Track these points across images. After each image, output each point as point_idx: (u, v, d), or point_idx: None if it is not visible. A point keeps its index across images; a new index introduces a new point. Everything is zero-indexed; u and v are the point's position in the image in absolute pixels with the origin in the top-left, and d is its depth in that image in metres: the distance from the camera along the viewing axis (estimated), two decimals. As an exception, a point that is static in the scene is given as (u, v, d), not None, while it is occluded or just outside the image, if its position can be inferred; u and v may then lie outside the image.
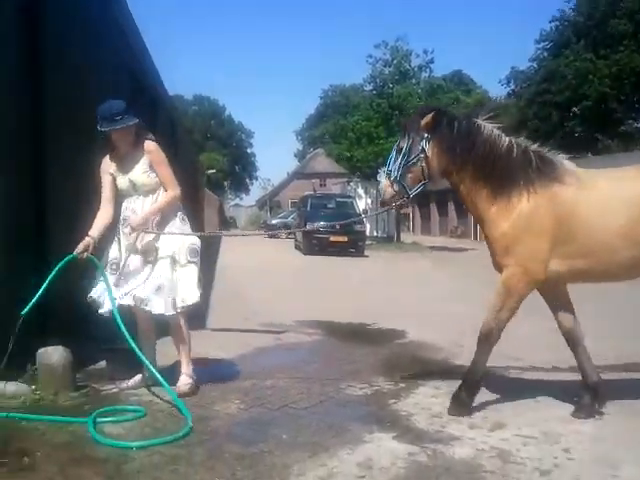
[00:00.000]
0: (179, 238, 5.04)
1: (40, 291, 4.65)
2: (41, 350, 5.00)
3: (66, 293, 5.47)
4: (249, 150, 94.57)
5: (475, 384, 4.69)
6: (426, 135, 4.55)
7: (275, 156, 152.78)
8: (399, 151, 4.64)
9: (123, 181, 5.02)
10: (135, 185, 5.01)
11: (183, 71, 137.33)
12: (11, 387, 4.76)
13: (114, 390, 5.10)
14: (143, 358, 4.82)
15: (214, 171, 58.22)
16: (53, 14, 6.29)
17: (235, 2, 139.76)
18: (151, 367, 4.81)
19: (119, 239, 5.07)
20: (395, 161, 4.64)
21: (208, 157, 70.84)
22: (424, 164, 4.56)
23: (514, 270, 4.43)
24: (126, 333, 4.76)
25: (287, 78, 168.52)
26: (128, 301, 4.86)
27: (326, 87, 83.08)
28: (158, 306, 4.83)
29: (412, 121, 4.75)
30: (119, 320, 4.74)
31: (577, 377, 5.90)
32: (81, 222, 5.37)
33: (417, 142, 4.56)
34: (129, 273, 4.98)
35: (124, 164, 5.03)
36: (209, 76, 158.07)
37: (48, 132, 6.16)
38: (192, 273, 5.04)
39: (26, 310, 4.50)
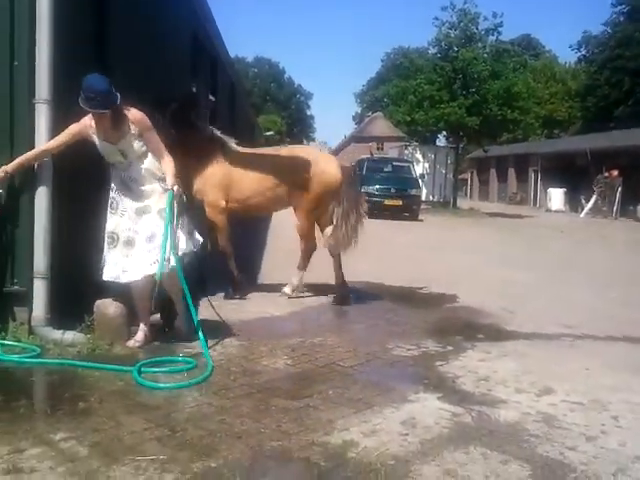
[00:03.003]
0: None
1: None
2: (99, 302, 5.15)
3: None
4: (308, 112, 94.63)
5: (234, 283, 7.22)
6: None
7: (333, 119, 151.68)
8: None
9: (111, 150, 4.97)
10: (125, 153, 4.96)
11: (245, 33, 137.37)
12: (69, 336, 4.93)
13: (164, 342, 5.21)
14: (193, 311, 5.00)
15: (272, 133, 58.23)
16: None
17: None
18: (196, 319, 4.97)
19: (117, 208, 5.04)
20: None
21: (266, 119, 70.99)
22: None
23: (207, 207, 7.04)
24: (186, 287, 4.93)
25: (349, 40, 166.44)
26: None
27: (389, 50, 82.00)
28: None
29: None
30: (182, 276, 4.92)
31: (632, 347, 5.82)
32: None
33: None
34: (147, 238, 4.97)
35: (109, 135, 4.94)
36: (270, 38, 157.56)
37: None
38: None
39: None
